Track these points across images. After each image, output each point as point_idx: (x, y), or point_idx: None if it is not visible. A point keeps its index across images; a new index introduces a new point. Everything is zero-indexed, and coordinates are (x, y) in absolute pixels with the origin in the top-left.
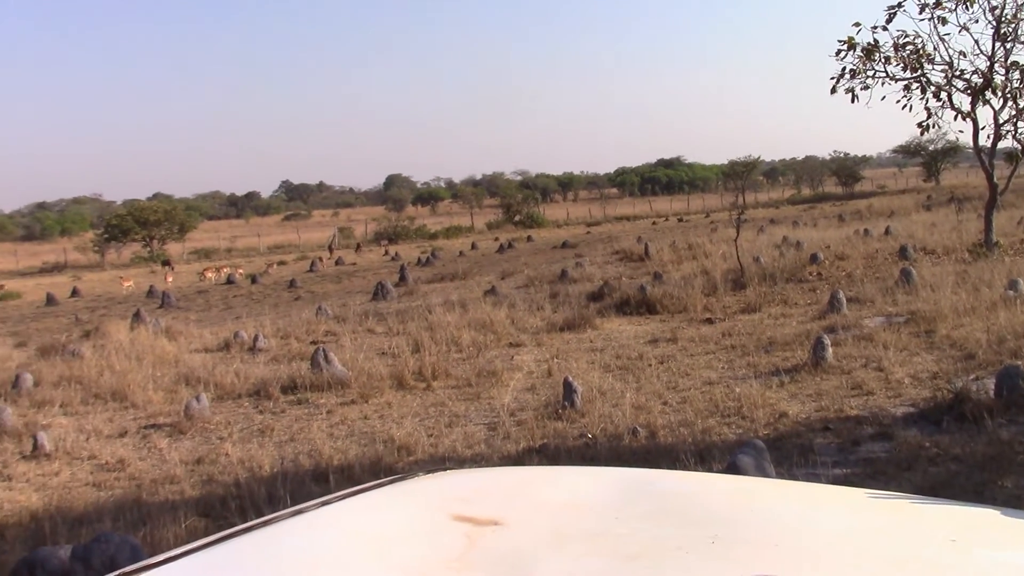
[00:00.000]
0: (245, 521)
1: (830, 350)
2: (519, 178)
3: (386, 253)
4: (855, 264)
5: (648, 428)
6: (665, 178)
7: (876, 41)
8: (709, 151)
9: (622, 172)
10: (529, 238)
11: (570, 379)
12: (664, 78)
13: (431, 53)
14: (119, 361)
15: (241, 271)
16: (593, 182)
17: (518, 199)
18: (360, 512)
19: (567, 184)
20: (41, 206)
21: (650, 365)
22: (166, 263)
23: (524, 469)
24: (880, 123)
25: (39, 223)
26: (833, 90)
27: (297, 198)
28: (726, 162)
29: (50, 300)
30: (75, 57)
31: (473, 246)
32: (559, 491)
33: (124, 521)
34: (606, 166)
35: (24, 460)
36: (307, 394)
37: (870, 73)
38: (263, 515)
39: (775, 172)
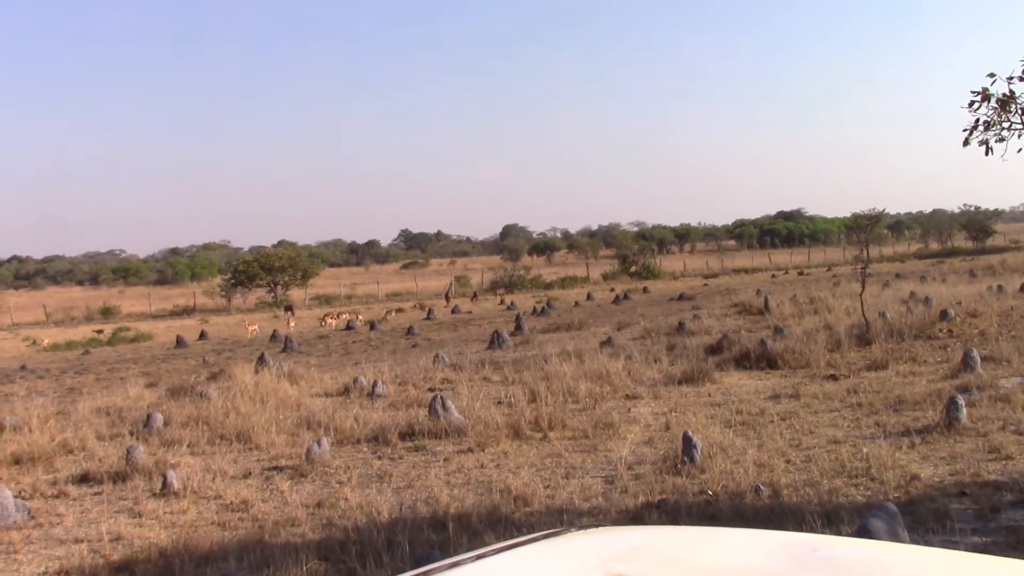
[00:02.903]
0: (364, 567)
1: (964, 411)
2: (635, 229)
3: (502, 302)
4: (989, 321)
5: (771, 487)
6: (785, 230)
7: (1012, 92)
8: (831, 203)
9: (740, 224)
10: (645, 289)
11: (689, 433)
12: (784, 129)
13: (548, 107)
14: (244, 403)
15: (360, 317)
16: (710, 233)
17: (634, 250)
18: (517, 567)
19: (684, 235)
20: (174, 251)
21: (772, 421)
22: (289, 308)
23: (681, 529)
24: (1015, 175)
25: (171, 268)
26: (966, 142)
27: (415, 247)
28: (849, 215)
29: (179, 342)
30: (205, 107)
31: (588, 296)
32: (722, 555)
33: (248, 561)
34: (724, 217)
35: (154, 497)
36: (424, 441)
37: (1006, 125)
38: (382, 561)
39: (900, 226)
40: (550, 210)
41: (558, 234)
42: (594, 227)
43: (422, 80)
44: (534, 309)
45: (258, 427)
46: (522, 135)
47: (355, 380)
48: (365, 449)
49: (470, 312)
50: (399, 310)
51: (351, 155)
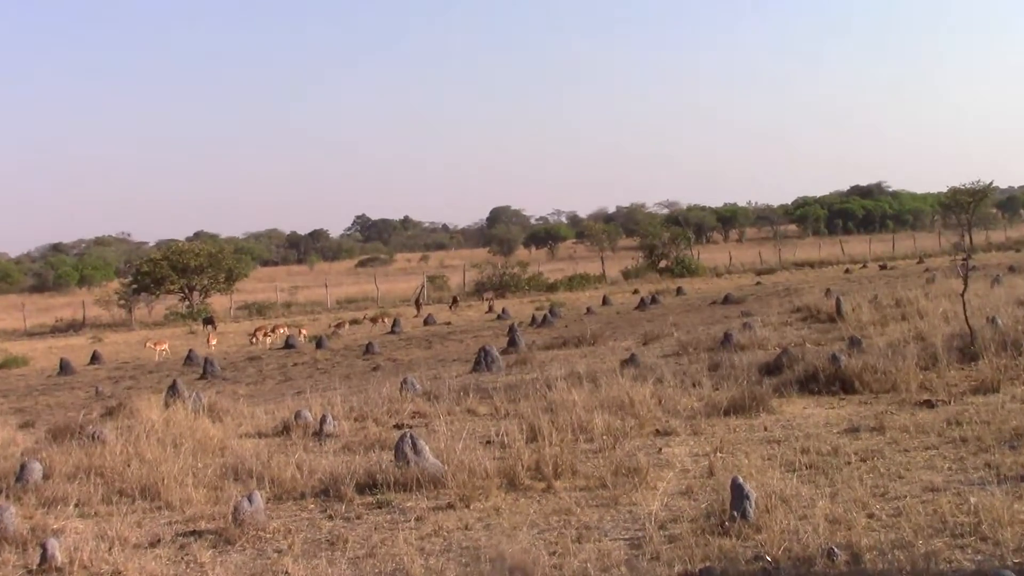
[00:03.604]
0: None
1: None
2: (665, 211)
3: (490, 310)
4: None
5: (850, 549)
6: (861, 211)
7: None
8: (921, 175)
9: (803, 203)
10: (679, 290)
11: (740, 480)
12: (857, 76)
13: (548, 54)
14: (150, 448)
15: (304, 332)
16: (764, 216)
17: (664, 239)
18: None
19: (729, 219)
20: (56, 248)
21: (848, 463)
22: (209, 321)
23: None
24: None
25: (52, 270)
26: None
27: (375, 237)
28: (946, 190)
29: (64, 368)
30: (89, 61)
31: (605, 301)
32: None
33: None
34: (781, 195)
35: None
36: (390, 494)
37: None
38: None
39: (1014, 203)
40: (552, 188)
41: (563, 219)
42: (611, 209)
43: (378, 20)
44: (533, 318)
45: (169, 478)
46: (515, 90)
47: (297, 415)
48: (311, 506)
49: (448, 323)
50: (354, 322)
51: (291, 121)
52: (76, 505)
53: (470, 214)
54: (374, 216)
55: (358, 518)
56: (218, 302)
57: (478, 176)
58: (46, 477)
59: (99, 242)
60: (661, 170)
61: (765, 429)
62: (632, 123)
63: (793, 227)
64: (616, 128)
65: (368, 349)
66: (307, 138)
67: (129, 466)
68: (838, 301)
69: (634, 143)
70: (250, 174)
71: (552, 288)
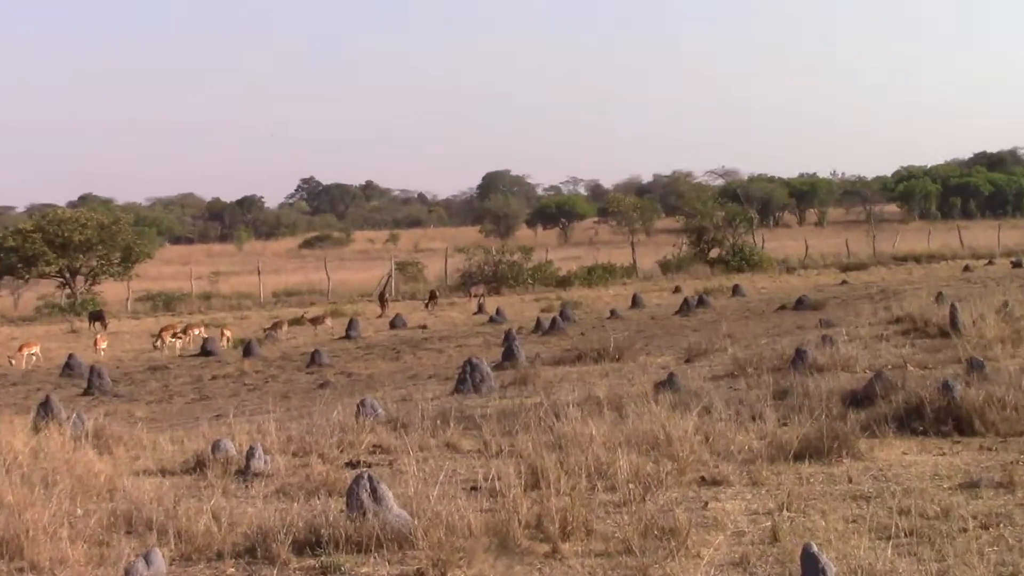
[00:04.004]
0: None
1: None
2: (719, 182)
3: (480, 310)
4: None
5: None
6: (988, 187)
7: None
8: None
9: (907, 176)
10: (736, 289)
11: (814, 550)
12: (989, 9)
13: None
14: (11, 487)
15: (227, 334)
16: (854, 191)
17: (718, 219)
18: None
19: (806, 194)
20: None
21: (964, 531)
22: (98, 317)
23: None
24: None
25: None
26: None
27: (327, 209)
28: None
29: None
30: None
31: (635, 301)
32: None
33: None
34: (879, 164)
35: None
36: (339, 557)
37: None
38: None
39: None
40: (567, 148)
41: (581, 189)
42: (646, 178)
43: None
44: (538, 323)
45: (37, 530)
46: (520, 20)
47: (216, 446)
48: (231, 570)
49: (423, 327)
50: (296, 321)
51: (211, 51)
52: None
53: (456, 180)
54: (325, 180)
55: None
56: (111, 291)
57: (468, 129)
58: None
59: None
60: (715, 127)
61: (849, 480)
62: (676, 62)
63: (893, 208)
64: (653, 69)
65: (314, 359)
66: (235, 73)
67: None
68: (953, 310)
69: (678, 89)
70: (157, 120)
71: (565, 283)
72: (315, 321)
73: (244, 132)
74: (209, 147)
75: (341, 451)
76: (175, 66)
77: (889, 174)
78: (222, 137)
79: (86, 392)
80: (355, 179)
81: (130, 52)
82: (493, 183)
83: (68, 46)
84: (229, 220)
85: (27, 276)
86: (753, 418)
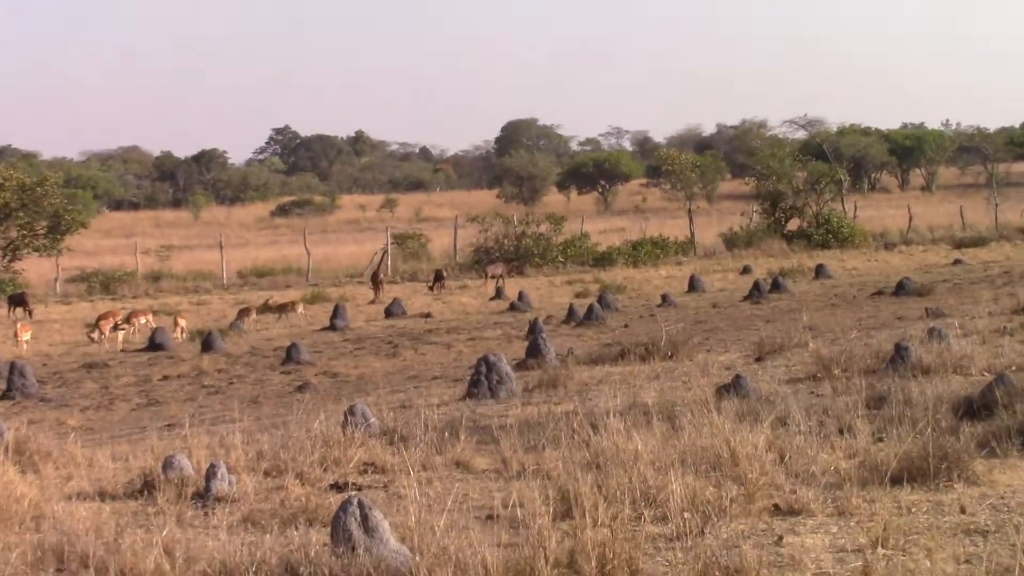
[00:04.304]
0: None
1: None
2: (801, 134)
3: (498, 294)
4: None
5: None
6: None
7: None
8: None
9: None
10: (820, 270)
11: None
12: None
13: None
14: None
15: (182, 324)
16: (971, 147)
17: (797, 182)
18: None
19: (911, 151)
20: None
21: None
22: (19, 301)
23: None
24: None
25: None
26: None
27: (306, 167)
28: None
29: None
30: None
31: (693, 284)
32: None
33: None
34: (1003, 113)
35: None
36: None
37: None
38: None
39: None
40: (607, 92)
41: (625, 143)
42: (707, 129)
43: None
44: (571, 311)
45: None
46: None
47: (168, 464)
48: None
49: (427, 315)
50: (267, 307)
51: None
52: None
53: (468, 132)
54: (304, 131)
55: None
56: (35, 269)
57: (483, 67)
58: None
59: None
60: (795, 64)
61: (962, 511)
62: None
63: (1022, 168)
64: None
65: (291, 355)
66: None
67: None
68: None
69: (745, 17)
70: (92, 57)
71: (604, 261)
72: (283, 308)
73: (201, 69)
74: (157, 89)
75: (324, 470)
76: None
77: (1016, 125)
78: (173, 77)
79: (4, 395)
80: (341, 129)
81: None
82: (515, 135)
83: None
84: (183, 181)
85: None
86: (841, 432)
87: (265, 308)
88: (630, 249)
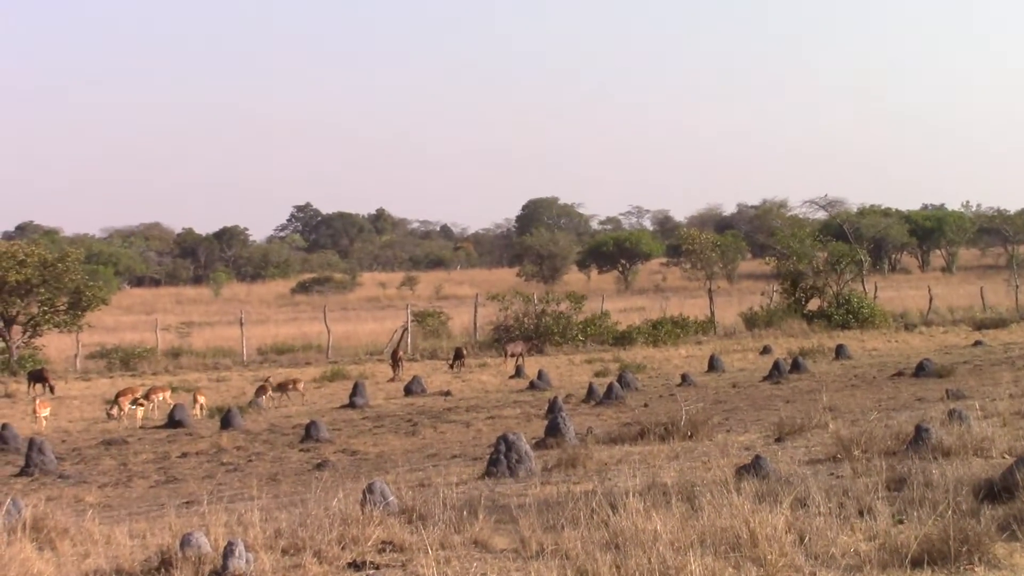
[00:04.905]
0: None
1: None
2: (821, 214)
3: (517, 372)
4: None
5: None
6: None
7: None
8: None
9: None
10: (840, 351)
11: None
12: None
13: None
14: None
15: (201, 401)
16: (991, 228)
17: (818, 262)
18: None
19: (931, 232)
20: None
21: None
22: (39, 378)
23: None
24: None
25: None
26: None
27: (327, 244)
28: None
29: None
30: None
31: (713, 364)
32: None
33: None
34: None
35: None
36: None
37: None
38: None
39: None
40: (628, 172)
41: (646, 222)
42: (728, 209)
43: None
44: (591, 390)
45: None
46: (567, 10)
47: (186, 541)
48: None
49: (447, 393)
50: (289, 387)
51: (185, 53)
52: None
53: (489, 210)
54: (326, 208)
55: None
56: (56, 345)
57: (505, 146)
58: None
59: None
60: (816, 145)
61: None
62: (766, 61)
63: None
64: (737, 69)
65: (309, 433)
66: (215, 73)
67: None
68: None
69: (768, 95)
70: (115, 133)
71: (625, 340)
72: (283, 387)
73: (224, 146)
74: (180, 166)
75: (342, 548)
76: (134, 66)
77: None
78: (196, 153)
79: (23, 472)
80: (362, 207)
81: (76, 51)
82: (536, 214)
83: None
84: (204, 257)
85: None
86: (861, 513)
87: (288, 387)
88: (650, 328)
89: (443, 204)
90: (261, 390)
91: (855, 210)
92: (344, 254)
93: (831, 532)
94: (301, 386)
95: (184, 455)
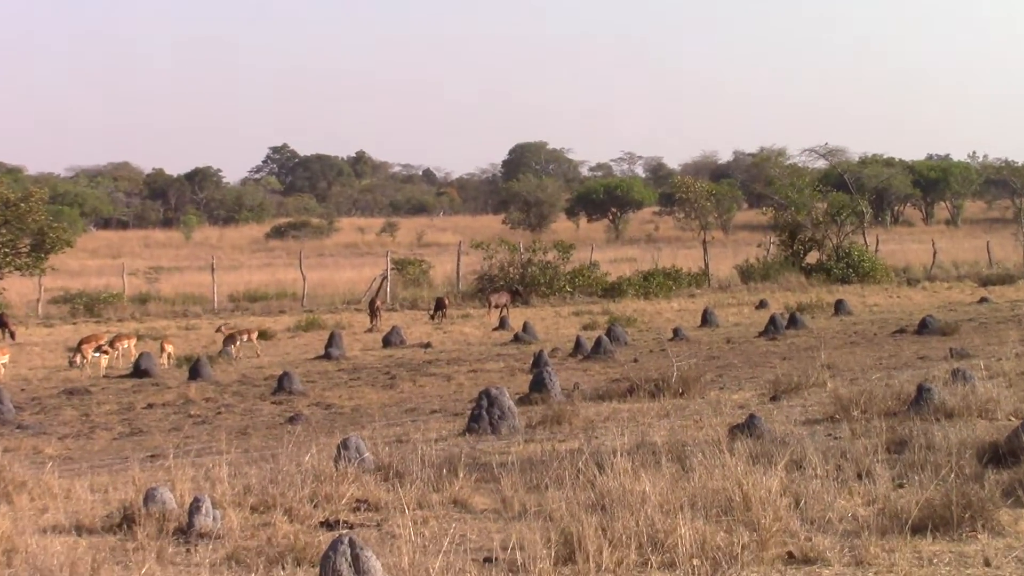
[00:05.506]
0: None
1: None
2: (821, 164)
3: (502, 324)
4: None
5: None
6: None
7: None
8: None
9: None
10: (839, 305)
11: None
12: None
13: None
14: None
15: (169, 350)
16: (998, 179)
17: (817, 213)
18: None
19: (935, 183)
20: None
21: None
22: None
23: None
24: None
25: None
26: None
27: (304, 187)
28: None
29: None
30: None
31: (706, 318)
32: None
33: None
34: None
35: None
36: None
37: None
38: None
39: None
40: (621, 116)
41: (637, 170)
42: (723, 156)
43: None
44: (578, 344)
45: None
46: None
47: (149, 496)
48: None
49: (427, 344)
50: (261, 335)
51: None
52: None
53: (475, 154)
54: (303, 150)
55: None
56: (17, 289)
57: (492, 87)
58: None
59: None
60: (816, 90)
61: (986, 563)
62: (766, 4)
63: None
64: (735, 8)
65: (282, 385)
66: (187, 11)
67: None
68: None
69: (767, 39)
70: (84, 69)
71: (615, 292)
72: (231, 339)
73: (197, 82)
74: (151, 103)
75: (315, 507)
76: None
77: None
78: (168, 89)
79: None
80: (342, 149)
81: None
82: (523, 159)
83: None
84: (175, 199)
85: None
86: (859, 476)
87: (266, 335)
88: (641, 280)
89: (426, 147)
90: (230, 339)
91: (857, 159)
92: (322, 198)
93: (828, 496)
94: (255, 337)
95: (150, 406)
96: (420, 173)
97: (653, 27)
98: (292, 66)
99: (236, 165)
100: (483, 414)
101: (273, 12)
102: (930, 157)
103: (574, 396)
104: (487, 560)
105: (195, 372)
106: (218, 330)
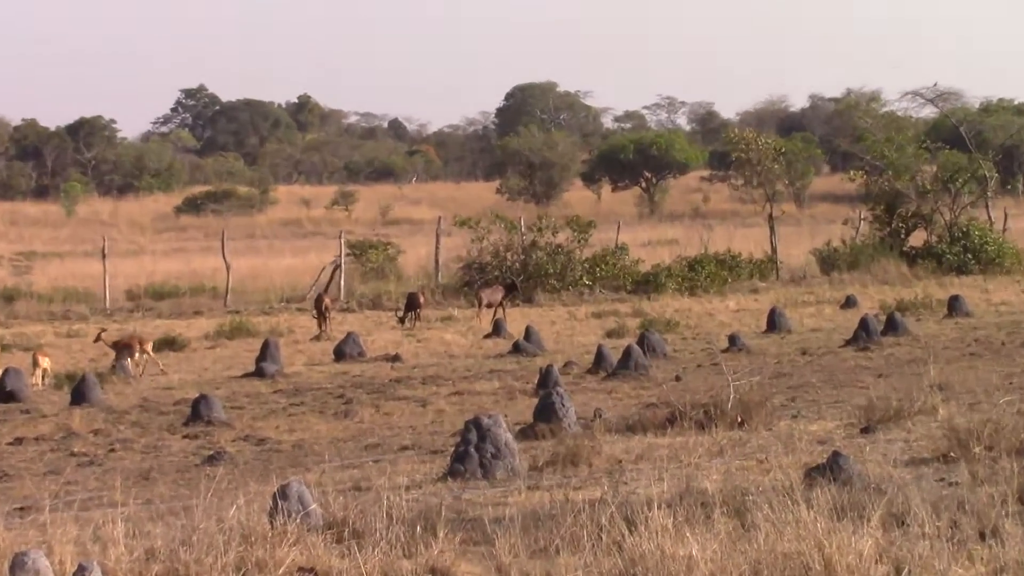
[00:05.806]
0: None
1: None
2: (927, 111)
3: (496, 330)
4: None
5: None
6: None
7: None
8: None
9: None
10: (954, 304)
11: None
12: None
13: None
14: None
15: (44, 364)
16: None
17: (923, 179)
18: None
19: None
20: None
21: None
22: None
23: None
24: None
25: None
26: None
27: (228, 144)
28: None
29: None
30: None
31: (773, 321)
32: None
33: None
34: None
35: None
36: None
37: None
38: None
39: None
40: (655, 53)
41: (680, 119)
42: (796, 103)
43: None
44: (599, 356)
45: None
46: None
47: (18, 563)
48: None
49: (394, 357)
50: (170, 342)
51: None
52: None
53: (459, 100)
54: (226, 94)
55: None
56: None
57: (484, 16)
58: None
59: None
60: (919, 21)
61: None
62: None
63: None
64: None
65: (198, 412)
66: None
67: None
68: None
69: None
70: None
71: (649, 286)
72: (120, 349)
73: (84, 7)
74: (18, 32)
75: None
76: None
77: None
78: (45, 17)
79: None
80: (279, 94)
81: None
82: (524, 106)
83: None
84: (52, 161)
85: None
86: (982, 536)
87: (178, 343)
88: (685, 270)
89: (393, 91)
90: (126, 348)
91: (977, 106)
92: (252, 159)
93: (940, 562)
94: (149, 347)
95: (18, 441)
96: (385, 125)
97: None
98: None
99: (135, 115)
100: (471, 452)
101: None
102: (950, 94)
103: (594, 427)
104: None
105: (80, 395)
106: (97, 338)
